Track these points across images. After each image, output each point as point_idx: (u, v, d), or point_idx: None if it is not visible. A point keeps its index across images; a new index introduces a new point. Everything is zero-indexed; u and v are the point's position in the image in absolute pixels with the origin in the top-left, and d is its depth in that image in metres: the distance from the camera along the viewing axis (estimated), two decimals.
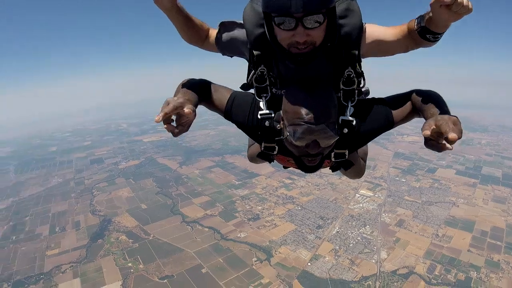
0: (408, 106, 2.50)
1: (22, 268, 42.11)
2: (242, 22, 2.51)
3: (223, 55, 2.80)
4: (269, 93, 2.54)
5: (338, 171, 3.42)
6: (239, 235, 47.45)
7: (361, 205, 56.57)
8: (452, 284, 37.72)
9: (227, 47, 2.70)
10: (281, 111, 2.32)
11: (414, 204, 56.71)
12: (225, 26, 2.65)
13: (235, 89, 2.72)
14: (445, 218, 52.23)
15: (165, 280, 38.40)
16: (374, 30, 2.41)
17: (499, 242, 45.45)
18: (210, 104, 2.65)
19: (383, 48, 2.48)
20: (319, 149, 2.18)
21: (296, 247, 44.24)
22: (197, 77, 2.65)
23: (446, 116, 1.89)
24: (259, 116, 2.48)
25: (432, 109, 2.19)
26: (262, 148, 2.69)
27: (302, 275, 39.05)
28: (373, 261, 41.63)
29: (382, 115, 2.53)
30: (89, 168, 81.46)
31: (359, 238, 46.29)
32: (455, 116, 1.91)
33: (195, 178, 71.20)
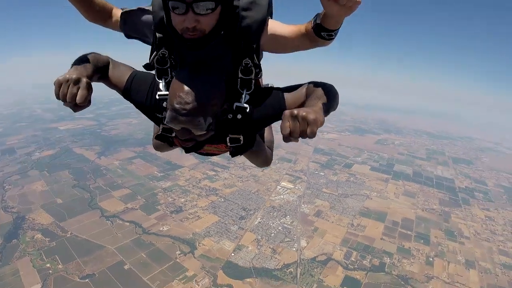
0: (302, 96, 2.54)
1: None
2: (145, 7, 2.61)
3: (126, 37, 2.81)
4: (169, 75, 2.55)
5: (247, 158, 3.74)
6: (161, 229, 46.65)
7: (282, 196, 58.70)
8: (368, 269, 40.83)
9: (130, 29, 2.73)
10: None
11: (331, 196, 60.41)
12: (128, 11, 2.67)
13: (137, 69, 2.75)
14: (359, 209, 56.33)
15: (87, 280, 36.59)
16: (273, 26, 2.50)
17: (409, 232, 50.17)
18: (109, 81, 2.64)
19: (280, 44, 2.56)
20: (189, 136, 2.27)
21: (220, 239, 44.86)
22: (97, 52, 2.62)
23: (302, 114, 1.89)
24: (157, 97, 2.49)
25: (311, 101, 2.24)
26: (161, 130, 2.75)
27: (226, 266, 39.76)
28: (294, 249, 43.70)
29: (276, 103, 2.58)
30: (0, 159, 73.85)
31: (280, 228, 48.19)
32: (311, 115, 1.89)
33: (114, 169, 68.07)
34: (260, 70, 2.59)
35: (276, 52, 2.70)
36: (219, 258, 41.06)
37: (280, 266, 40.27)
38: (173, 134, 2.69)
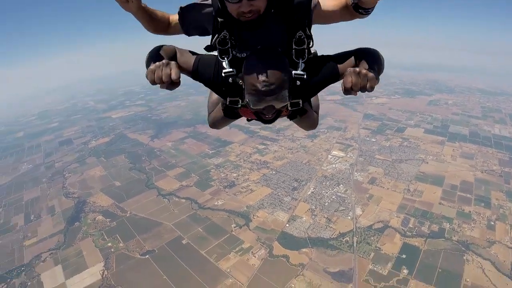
0: (351, 61, 2.88)
1: (1, 262, 40.11)
2: (199, 1, 2.93)
3: (186, 34, 3.16)
4: (231, 54, 2.86)
5: (295, 123, 4.21)
6: (216, 203, 47.58)
7: (333, 165, 57.58)
8: (427, 236, 38.93)
9: (190, 24, 3.04)
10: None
11: (385, 162, 58.26)
12: (184, 7, 2.96)
13: (199, 52, 3.13)
14: (415, 174, 53.78)
15: (147, 256, 38.10)
16: (322, 2, 2.85)
17: (469, 195, 47.17)
18: (178, 66, 2.85)
19: (326, 17, 2.91)
20: (274, 111, 2.69)
21: (273, 210, 44.88)
22: (163, 43, 2.95)
23: (363, 71, 2.32)
24: (223, 74, 2.81)
25: (363, 65, 2.62)
26: (228, 102, 3.13)
27: (282, 236, 39.72)
28: (349, 218, 42.67)
29: (329, 69, 2.94)
30: (58, 151, 78.91)
31: (333, 197, 47.27)
32: (372, 73, 2.33)
33: (168, 150, 70.57)
34: (312, 40, 2.92)
35: (321, 24, 3.02)
36: (274, 229, 41.11)
37: (336, 236, 39.56)
38: (239, 106, 3.14)
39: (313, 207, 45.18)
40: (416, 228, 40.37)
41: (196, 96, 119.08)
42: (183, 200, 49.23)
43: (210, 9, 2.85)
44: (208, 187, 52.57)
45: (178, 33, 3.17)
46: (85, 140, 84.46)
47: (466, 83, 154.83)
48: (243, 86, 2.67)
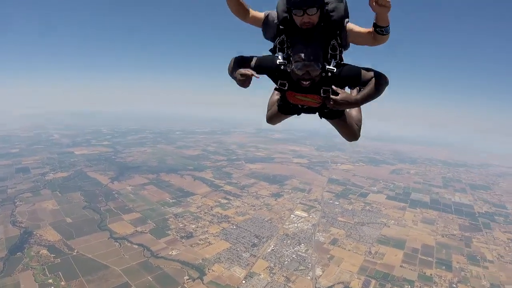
0: (368, 76, 4.09)
1: None
2: (270, 11, 4.34)
3: (261, 28, 4.42)
4: (285, 52, 4.19)
5: (336, 128, 5.50)
6: (170, 253, 45.90)
7: (296, 225, 57.61)
8: None
9: (266, 23, 4.31)
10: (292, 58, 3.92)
11: (347, 225, 59.01)
12: (268, 13, 4.33)
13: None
14: (377, 237, 54.86)
15: None
16: (352, 27, 4.06)
17: (430, 258, 48.56)
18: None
19: (356, 37, 4.08)
20: (310, 76, 3.84)
21: (230, 265, 43.54)
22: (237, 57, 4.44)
23: (353, 100, 4.12)
24: (277, 62, 4.14)
25: (362, 91, 4.14)
26: (278, 84, 4.36)
27: None
28: (309, 277, 42.04)
29: (354, 75, 4.10)
30: (13, 177, 75.84)
31: (294, 256, 46.62)
32: (355, 103, 4.17)
33: (126, 194, 69.14)
34: (342, 47, 4.16)
35: (355, 43, 4.22)
36: (229, 285, 39.70)
37: None
38: (286, 88, 4.35)
39: (272, 264, 44.24)
40: None
41: (164, 145, 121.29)
42: (136, 246, 47.27)
43: (276, 19, 4.24)
44: (164, 236, 51.03)
45: (255, 25, 4.40)
46: (43, 172, 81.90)
47: (427, 154, 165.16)
48: (291, 62, 3.88)
